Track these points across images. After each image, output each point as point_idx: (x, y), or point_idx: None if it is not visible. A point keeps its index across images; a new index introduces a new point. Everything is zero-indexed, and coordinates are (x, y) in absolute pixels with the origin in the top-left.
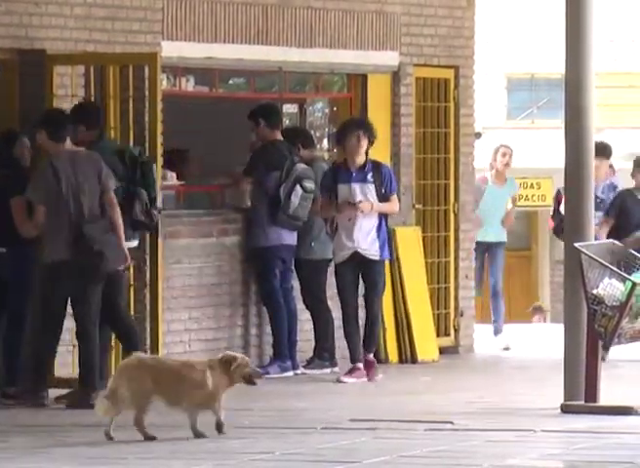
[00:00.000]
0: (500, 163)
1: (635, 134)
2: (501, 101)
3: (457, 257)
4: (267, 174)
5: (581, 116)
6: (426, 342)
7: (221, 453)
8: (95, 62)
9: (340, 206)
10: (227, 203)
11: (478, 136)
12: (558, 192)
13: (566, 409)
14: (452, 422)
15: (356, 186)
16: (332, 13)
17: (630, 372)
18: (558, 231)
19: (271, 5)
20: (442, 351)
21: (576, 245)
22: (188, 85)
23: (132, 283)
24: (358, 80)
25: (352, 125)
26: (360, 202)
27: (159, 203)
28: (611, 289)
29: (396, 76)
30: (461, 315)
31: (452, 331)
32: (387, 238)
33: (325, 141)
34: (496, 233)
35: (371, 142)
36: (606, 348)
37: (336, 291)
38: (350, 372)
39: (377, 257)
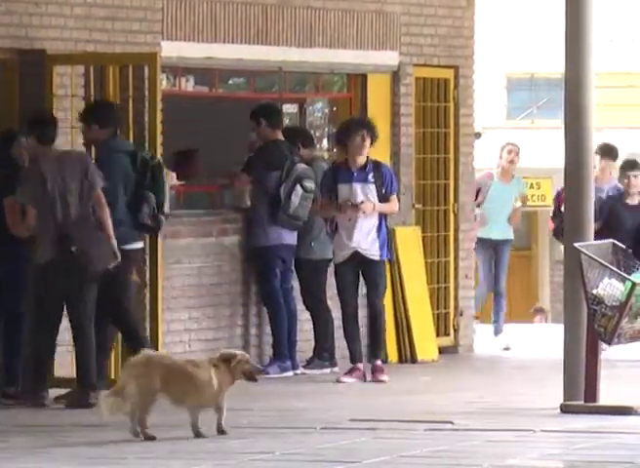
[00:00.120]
0: (505, 160)
1: (635, 133)
2: (501, 101)
3: (456, 257)
4: (268, 173)
5: (581, 116)
6: (426, 342)
7: (221, 453)
8: (95, 62)
9: (341, 206)
10: (227, 203)
11: (478, 135)
12: (558, 193)
13: (566, 409)
14: (452, 422)
15: (357, 186)
16: (331, 12)
17: (630, 372)
18: (558, 233)
19: (271, 5)
20: (442, 351)
21: (575, 245)
22: (188, 85)
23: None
24: (358, 80)
25: (356, 124)
26: (362, 203)
27: (167, 208)
28: (610, 289)
29: (396, 76)
30: (461, 315)
31: (451, 331)
32: (387, 238)
33: (325, 141)
34: (501, 231)
35: (372, 142)
36: (608, 345)
37: (336, 291)
38: (350, 373)
39: (377, 257)
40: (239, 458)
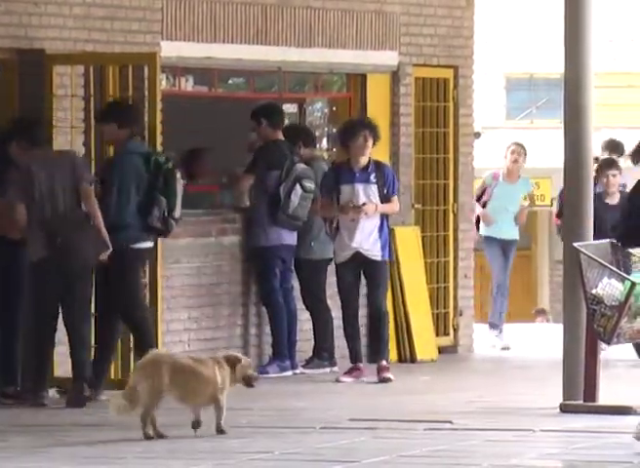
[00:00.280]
0: (508, 160)
1: (634, 133)
2: (501, 101)
3: (456, 257)
4: (268, 173)
5: (581, 115)
6: (425, 342)
7: (220, 453)
8: (94, 62)
9: (343, 207)
10: (226, 203)
11: (477, 135)
12: (562, 191)
13: (565, 409)
14: (451, 422)
15: (359, 187)
16: (331, 12)
17: (629, 372)
18: None
19: (270, 5)
20: (441, 351)
21: (575, 244)
22: (188, 85)
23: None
24: (357, 80)
25: (358, 125)
26: (364, 204)
27: (177, 212)
28: (610, 288)
29: (395, 76)
30: (461, 314)
31: (451, 331)
32: (389, 238)
33: (324, 141)
34: (506, 231)
35: (374, 143)
36: (607, 345)
37: (335, 290)
38: (349, 372)
39: (379, 258)
40: (238, 458)
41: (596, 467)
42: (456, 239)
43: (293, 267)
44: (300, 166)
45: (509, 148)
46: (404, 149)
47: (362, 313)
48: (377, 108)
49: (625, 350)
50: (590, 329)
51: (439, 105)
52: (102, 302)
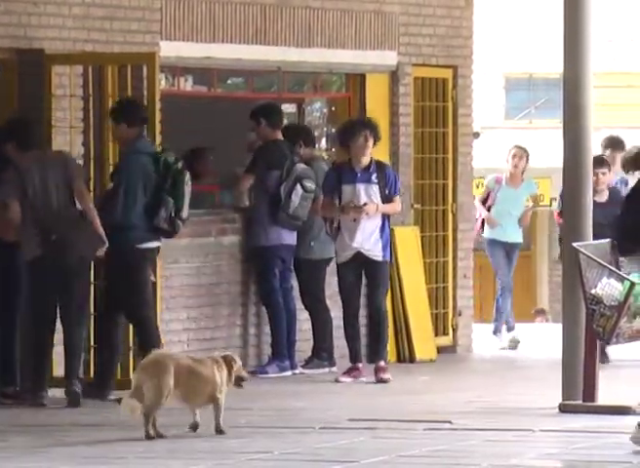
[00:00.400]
0: (510, 165)
1: (634, 133)
2: (500, 101)
3: (455, 257)
4: (268, 173)
5: (580, 115)
6: (424, 342)
7: (220, 453)
8: (93, 62)
9: (344, 207)
10: (226, 203)
11: (476, 135)
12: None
13: (564, 409)
14: (450, 422)
15: (361, 187)
16: (330, 12)
17: (628, 372)
18: None
19: (270, 5)
20: (440, 351)
21: (574, 244)
22: (187, 85)
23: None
24: (357, 80)
25: (359, 125)
26: (365, 204)
27: (185, 213)
28: (609, 288)
29: (395, 76)
30: (460, 314)
31: (450, 331)
32: (390, 239)
33: (323, 141)
34: (511, 234)
35: (375, 143)
36: (606, 344)
37: (334, 290)
38: (349, 372)
39: (379, 258)
40: (237, 458)
41: (596, 467)
42: (455, 239)
43: (292, 267)
44: (301, 166)
45: (510, 152)
46: (403, 149)
47: (362, 313)
48: (376, 108)
49: (624, 350)
50: (590, 328)
51: (438, 105)
52: (107, 302)
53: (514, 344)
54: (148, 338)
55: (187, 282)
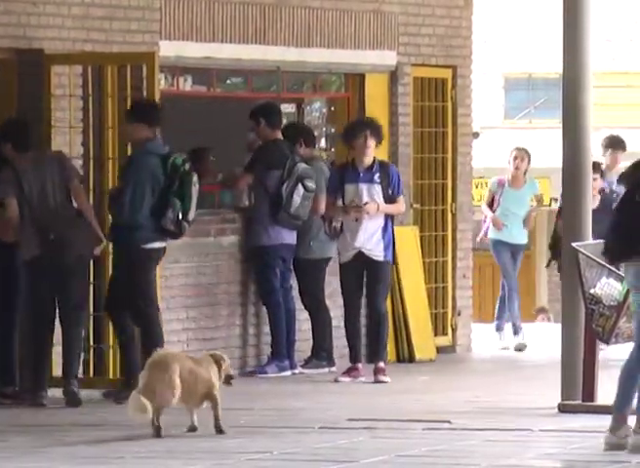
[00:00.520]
0: (511, 167)
1: (633, 133)
2: (499, 101)
3: (454, 257)
4: (268, 172)
5: (579, 115)
6: (424, 341)
7: (219, 453)
8: (92, 62)
9: (346, 207)
10: (226, 202)
11: (476, 135)
12: None
13: (563, 409)
14: (450, 422)
15: (363, 187)
16: (329, 12)
17: None
18: None
19: (269, 5)
20: (439, 350)
21: (573, 244)
22: (186, 84)
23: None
24: (356, 80)
25: (360, 125)
26: (366, 203)
27: (191, 215)
28: (608, 288)
29: (394, 76)
30: (459, 314)
31: (449, 331)
32: (393, 240)
33: (323, 141)
34: (515, 235)
35: (379, 143)
36: (606, 344)
37: (333, 290)
38: (348, 372)
39: (381, 258)
40: (236, 458)
41: (595, 467)
42: (454, 239)
43: (291, 267)
44: (302, 165)
45: (512, 154)
46: (402, 149)
47: (362, 313)
48: (375, 108)
49: (623, 350)
50: (589, 328)
51: (437, 105)
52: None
53: (521, 347)
54: (152, 338)
55: (187, 282)
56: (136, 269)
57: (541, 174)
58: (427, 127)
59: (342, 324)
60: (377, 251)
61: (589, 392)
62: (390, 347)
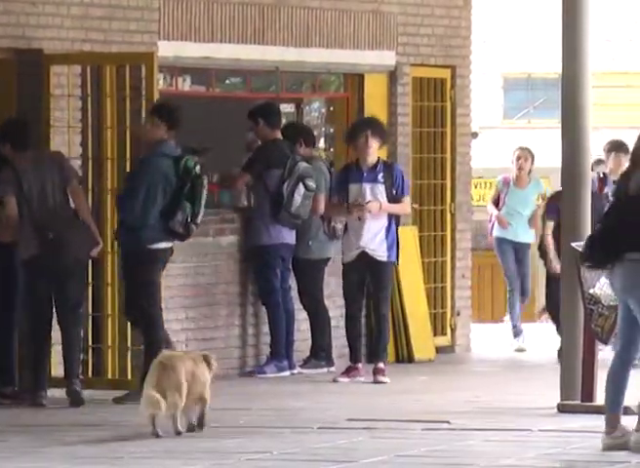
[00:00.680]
0: (515, 167)
1: (633, 133)
2: (498, 101)
3: (453, 257)
4: (268, 172)
5: (578, 115)
6: (423, 341)
7: (218, 453)
8: (91, 62)
9: (349, 206)
10: (225, 202)
11: (475, 135)
12: None
13: (562, 409)
14: (449, 422)
15: (367, 186)
16: (328, 12)
17: None
18: None
19: (268, 5)
20: (438, 350)
21: (572, 244)
22: (185, 84)
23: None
24: (355, 80)
25: (362, 124)
26: (368, 202)
27: (200, 218)
28: (607, 288)
29: (393, 76)
30: (458, 314)
31: (448, 331)
32: (397, 240)
33: (322, 141)
34: (521, 234)
35: (383, 142)
36: (605, 344)
37: (333, 290)
38: (347, 372)
39: (384, 258)
40: (236, 458)
41: (594, 467)
42: (453, 239)
43: (290, 267)
44: (303, 164)
45: (514, 154)
46: (401, 149)
47: (362, 313)
48: (374, 108)
49: None
50: (588, 328)
51: (437, 105)
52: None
53: (520, 350)
54: (155, 338)
55: (186, 282)
56: (141, 269)
57: (541, 173)
58: (426, 127)
59: (341, 324)
60: (380, 251)
61: (589, 392)
62: (389, 347)
